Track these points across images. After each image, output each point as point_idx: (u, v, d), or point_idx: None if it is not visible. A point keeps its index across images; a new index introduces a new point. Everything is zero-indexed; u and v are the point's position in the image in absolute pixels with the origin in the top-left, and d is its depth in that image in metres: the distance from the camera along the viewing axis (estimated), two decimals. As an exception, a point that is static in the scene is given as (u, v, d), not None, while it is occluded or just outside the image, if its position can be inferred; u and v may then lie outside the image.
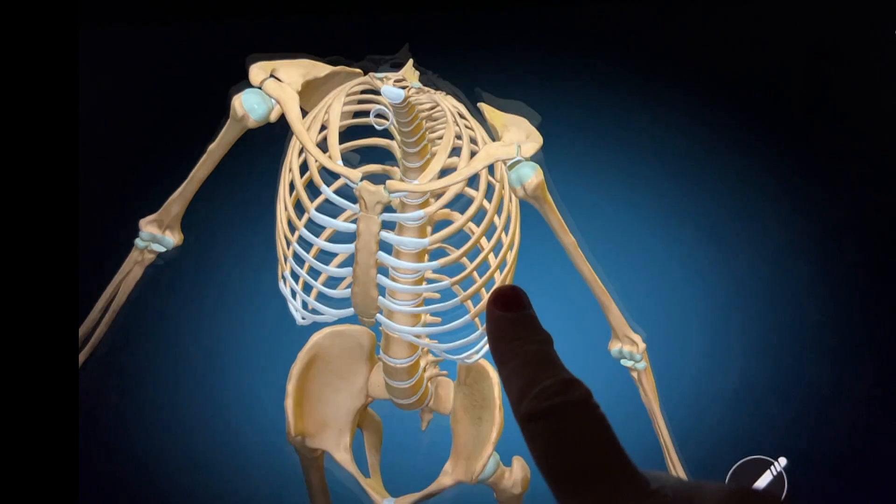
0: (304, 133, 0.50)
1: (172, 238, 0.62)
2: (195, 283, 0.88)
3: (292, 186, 0.53)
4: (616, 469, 0.24)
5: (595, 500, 0.23)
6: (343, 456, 0.63)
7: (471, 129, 0.52)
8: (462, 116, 0.53)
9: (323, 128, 0.52)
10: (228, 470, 0.78)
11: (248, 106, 0.54)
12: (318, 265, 0.53)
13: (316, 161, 0.50)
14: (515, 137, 0.51)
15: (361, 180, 0.49)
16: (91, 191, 0.71)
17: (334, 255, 0.55)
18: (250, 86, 0.56)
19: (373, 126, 0.53)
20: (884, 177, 0.96)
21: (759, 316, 0.89)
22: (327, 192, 0.51)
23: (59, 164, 0.42)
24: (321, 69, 0.56)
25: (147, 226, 0.61)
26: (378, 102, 0.52)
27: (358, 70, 0.57)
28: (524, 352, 0.27)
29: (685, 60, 1.03)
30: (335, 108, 0.51)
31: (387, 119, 0.51)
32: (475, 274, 0.53)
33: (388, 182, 0.50)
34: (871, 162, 0.98)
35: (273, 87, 0.53)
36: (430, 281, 0.56)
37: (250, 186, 0.59)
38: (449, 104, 0.52)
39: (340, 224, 0.51)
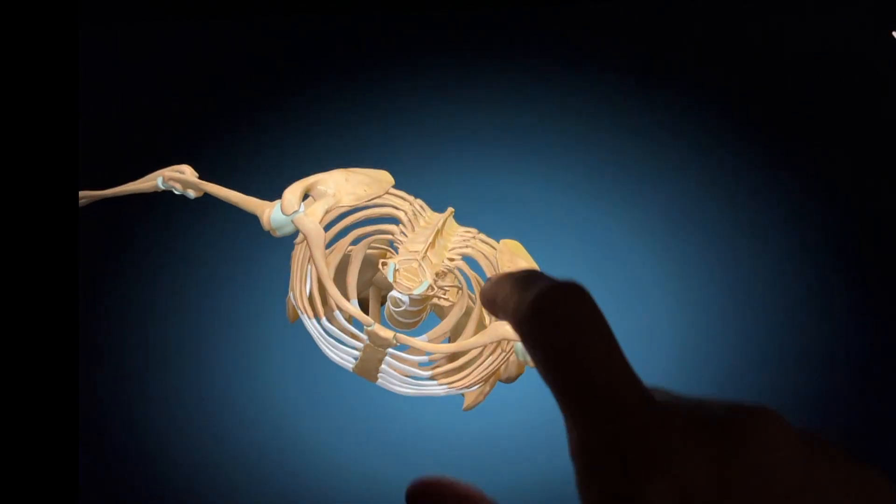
0: (326, 275, 0.55)
1: (192, 193, 0.66)
2: (196, 283, 0.88)
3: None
4: (617, 367, 0.22)
5: (601, 402, 0.22)
6: (346, 304, 0.68)
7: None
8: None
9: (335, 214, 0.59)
10: (228, 469, 0.78)
11: (277, 225, 0.58)
12: (325, 340, 0.58)
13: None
14: None
15: (373, 325, 0.55)
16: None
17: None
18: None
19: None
20: (884, 178, 0.96)
21: (760, 317, 0.89)
22: (343, 322, 0.56)
23: (60, 163, 0.42)
24: (353, 196, 0.60)
25: (169, 180, 0.65)
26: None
27: (390, 180, 0.63)
28: (514, 276, 0.26)
29: (684, 64, 1.03)
30: (357, 254, 0.57)
31: (403, 304, 0.58)
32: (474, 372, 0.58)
33: (397, 334, 0.55)
34: (871, 163, 0.98)
35: (302, 223, 0.56)
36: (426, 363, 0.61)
37: (257, 183, 0.60)
38: (467, 271, 0.58)
39: (349, 341, 0.56)
